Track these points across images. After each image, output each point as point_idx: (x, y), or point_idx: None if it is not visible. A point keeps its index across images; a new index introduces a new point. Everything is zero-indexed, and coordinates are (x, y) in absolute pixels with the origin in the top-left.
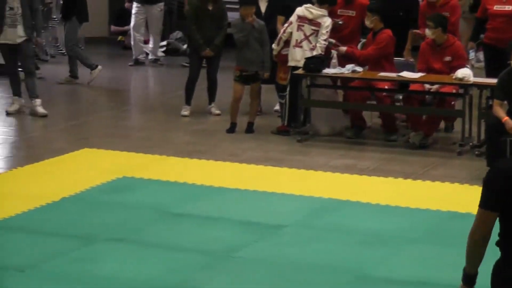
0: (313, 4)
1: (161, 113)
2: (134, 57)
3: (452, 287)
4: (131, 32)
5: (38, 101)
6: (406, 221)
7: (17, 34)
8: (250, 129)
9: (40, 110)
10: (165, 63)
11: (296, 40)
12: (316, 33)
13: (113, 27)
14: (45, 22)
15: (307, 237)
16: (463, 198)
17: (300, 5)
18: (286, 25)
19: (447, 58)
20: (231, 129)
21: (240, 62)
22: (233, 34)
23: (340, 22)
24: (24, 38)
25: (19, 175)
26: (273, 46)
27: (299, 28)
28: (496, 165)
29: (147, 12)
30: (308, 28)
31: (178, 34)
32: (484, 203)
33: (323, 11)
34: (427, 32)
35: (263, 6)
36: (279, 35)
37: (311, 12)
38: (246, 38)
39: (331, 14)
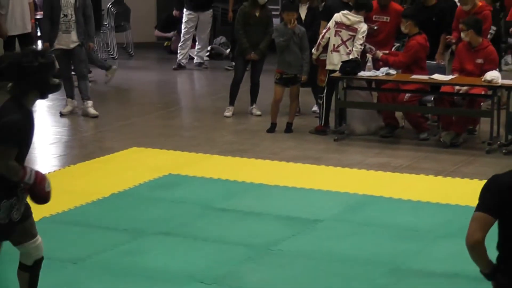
0: (350, 10)
1: (206, 114)
2: (178, 61)
3: (482, 280)
4: (182, 37)
5: (90, 103)
6: (437, 216)
7: (70, 39)
8: (289, 129)
9: (92, 111)
10: (209, 66)
11: (334, 45)
12: (352, 38)
13: (156, 32)
14: (97, 28)
15: (343, 231)
16: None
17: (341, 10)
18: (324, 30)
19: (479, 60)
20: (271, 129)
21: (281, 65)
22: (274, 38)
23: (375, 27)
24: (77, 43)
25: (72, 172)
26: (313, 51)
27: (336, 33)
28: (502, 177)
29: (198, 19)
30: (345, 34)
31: (221, 39)
32: (484, 207)
33: (360, 17)
34: (462, 34)
35: (303, 13)
36: (318, 41)
37: (348, 19)
38: (287, 42)
39: (367, 20)
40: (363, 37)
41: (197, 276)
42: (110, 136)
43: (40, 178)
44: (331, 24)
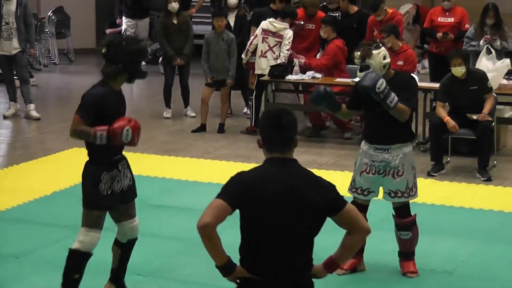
0: (276, 18)
1: (143, 116)
2: None
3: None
4: None
5: (32, 106)
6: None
7: (12, 46)
8: (221, 129)
9: (34, 113)
10: (146, 70)
11: (261, 50)
12: (279, 44)
13: (108, 31)
14: (39, 35)
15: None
16: None
17: (269, 15)
18: (252, 37)
19: (400, 63)
20: (199, 129)
21: (210, 71)
22: (203, 47)
23: (301, 23)
24: (18, 50)
25: (15, 171)
26: (242, 56)
27: (263, 40)
28: (246, 173)
29: (136, 26)
30: (272, 40)
31: (157, 45)
32: (224, 196)
33: (285, 24)
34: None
35: (232, 20)
36: (247, 47)
37: (274, 26)
38: (214, 49)
39: (293, 26)
40: (289, 42)
41: (134, 269)
42: (52, 137)
43: (112, 137)
44: (258, 31)
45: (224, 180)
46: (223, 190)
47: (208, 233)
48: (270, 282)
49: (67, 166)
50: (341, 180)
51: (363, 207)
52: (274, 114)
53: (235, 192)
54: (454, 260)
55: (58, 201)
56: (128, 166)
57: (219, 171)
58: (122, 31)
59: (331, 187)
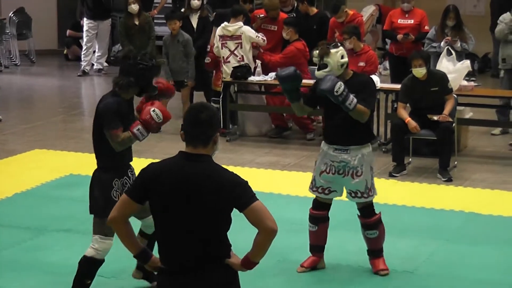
0: (228, 21)
1: None
2: (82, 68)
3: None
4: (84, 45)
5: None
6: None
7: None
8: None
9: None
10: (108, 72)
11: (223, 57)
12: (240, 45)
13: (69, 31)
14: None
15: (239, 224)
16: None
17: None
18: (213, 45)
19: (361, 64)
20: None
21: (169, 73)
22: (162, 50)
23: (261, 16)
24: None
25: None
26: (206, 60)
27: (223, 46)
28: (147, 166)
29: (97, 27)
30: (231, 44)
31: (119, 46)
32: (128, 190)
33: (238, 24)
34: (345, 43)
35: (194, 22)
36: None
37: (228, 30)
38: (171, 52)
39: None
40: (256, 36)
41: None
42: (13, 138)
43: (147, 125)
44: (216, 38)
45: None
46: (131, 186)
47: (115, 226)
48: (175, 273)
49: (29, 167)
50: (304, 181)
51: (325, 206)
52: (195, 108)
53: (135, 185)
54: (415, 259)
55: (19, 202)
56: (134, 173)
57: None
58: (84, 33)
59: (237, 184)
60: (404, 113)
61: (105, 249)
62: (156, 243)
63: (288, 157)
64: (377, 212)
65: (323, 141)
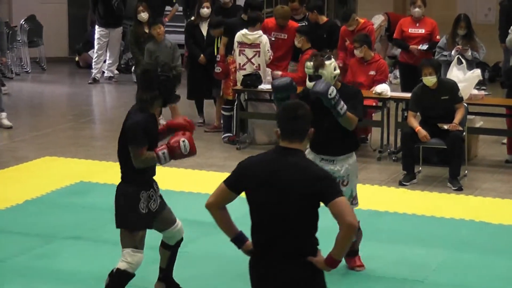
0: (247, 28)
1: (115, 125)
2: (93, 76)
3: (374, 278)
4: (95, 53)
5: (3, 114)
6: (330, 218)
7: None
8: None
9: (6, 122)
10: (119, 80)
11: (239, 64)
12: (257, 54)
13: (85, 55)
14: (10, 44)
15: (246, 233)
16: (382, 198)
17: (242, 28)
18: (223, 54)
19: (372, 72)
20: None
21: None
22: (144, 58)
23: (273, 39)
24: None
25: None
26: (217, 70)
27: (240, 52)
28: (246, 159)
29: (109, 35)
30: (249, 52)
31: (130, 54)
32: (226, 180)
33: (258, 32)
34: (356, 52)
35: (204, 30)
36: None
37: (248, 38)
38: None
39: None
40: (268, 50)
41: (104, 277)
42: (24, 146)
43: (172, 152)
44: (235, 45)
45: (195, 189)
46: (229, 176)
47: (212, 212)
48: (264, 258)
49: (39, 174)
50: None
51: None
52: (291, 105)
53: (233, 176)
54: (425, 268)
55: (30, 210)
56: (158, 187)
57: (192, 180)
58: (95, 40)
59: (326, 179)
60: (414, 121)
61: (137, 263)
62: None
63: None
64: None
65: (308, 149)
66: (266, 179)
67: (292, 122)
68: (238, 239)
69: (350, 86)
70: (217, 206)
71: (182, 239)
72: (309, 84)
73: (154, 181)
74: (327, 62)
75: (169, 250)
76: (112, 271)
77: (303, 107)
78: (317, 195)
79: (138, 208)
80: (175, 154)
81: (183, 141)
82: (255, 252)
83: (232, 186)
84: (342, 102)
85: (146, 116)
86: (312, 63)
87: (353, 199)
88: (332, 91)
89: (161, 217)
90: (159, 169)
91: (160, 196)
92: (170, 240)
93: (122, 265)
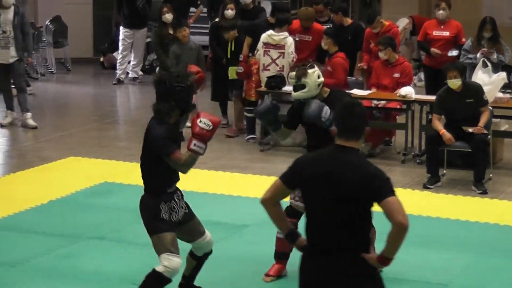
0: (273, 29)
1: (139, 126)
2: (117, 77)
3: (397, 281)
4: (120, 54)
5: (29, 115)
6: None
7: (9, 54)
8: None
9: (31, 122)
10: (143, 80)
11: (264, 64)
12: (282, 55)
13: (110, 55)
14: (36, 44)
15: (268, 236)
16: (406, 201)
17: (267, 30)
18: (246, 55)
19: (396, 75)
20: None
21: None
22: (169, 61)
23: (297, 39)
24: (16, 58)
25: (12, 180)
26: (239, 70)
27: (265, 53)
28: (301, 156)
29: (134, 36)
30: (274, 53)
31: (155, 55)
32: (282, 176)
33: (284, 34)
34: (380, 54)
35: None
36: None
37: (273, 39)
38: (184, 60)
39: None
40: (292, 52)
41: (129, 278)
42: (48, 146)
43: (201, 137)
44: (259, 45)
45: (218, 190)
46: (285, 170)
47: (266, 207)
48: (316, 254)
49: (64, 175)
50: None
51: (298, 214)
52: (349, 104)
53: (289, 172)
54: (450, 272)
55: (54, 210)
56: (183, 197)
57: (215, 181)
58: (119, 41)
59: (380, 177)
60: (438, 124)
61: (174, 267)
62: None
63: None
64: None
65: (306, 150)
66: (323, 177)
67: (349, 121)
68: (291, 234)
69: (339, 91)
70: (271, 202)
71: (211, 251)
72: (294, 94)
73: (176, 191)
74: (309, 71)
75: (196, 260)
76: (149, 272)
77: (360, 105)
78: (372, 194)
79: (161, 217)
80: (204, 137)
81: (200, 121)
82: (308, 248)
83: (287, 182)
84: None
85: (166, 126)
86: (294, 73)
87: None
88: (325, 112)
89: (188, 227)
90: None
91: (187, 207)
92: (198, 251)
93: (160, 269)
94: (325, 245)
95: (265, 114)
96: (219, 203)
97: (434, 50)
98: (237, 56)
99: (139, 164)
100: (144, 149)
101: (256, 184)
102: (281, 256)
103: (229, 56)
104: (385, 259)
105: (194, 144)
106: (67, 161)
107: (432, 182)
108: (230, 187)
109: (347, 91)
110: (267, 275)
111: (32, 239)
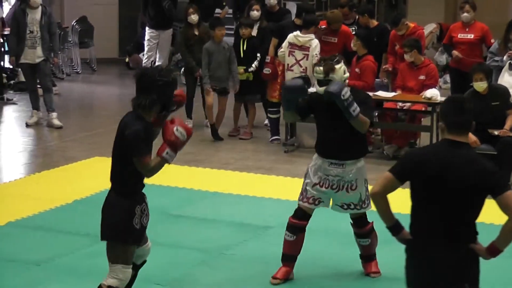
0: (300, 30)
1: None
2: None
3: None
4: (145, 54)
5: (54, 114)
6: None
7: (36, 54)
8: (214, 132)
9: (56, 122)
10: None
11: (288, 64)
12: (306, 57)
13: (136, 56)
14: (62, 44)
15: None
16: None
17: (292, 29)
18: (272, 56)
19: (421, 77)
20: (215, 133)
21: (212, 80)
22: (202, 59)
23: (322, 27)
24: (42, 58)
25: (37, 179)
26: (266, 71)
27: (290, 53)
28: (411, 151)
29: (159, 37)
30: (299, 54)
31: (179, 56)
32: (393, 169)
33: (310, 36)
34: (406, 56)
35: (254, 32)
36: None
37: (299, 40)
38: (216, 59)
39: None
40: (316, 54)
41: (154, 278)
42: (73, 146)
43: (174, 146)
44: (284, 44)
45: (243, 191)
46: (395, 164)
47: (377, 200)
48: (423, 246)
49: (88, 174)
50: None
51: (307, 216)
52: (457, 99)
53: (400, 166)
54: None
55: (79, 209)
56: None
57: (240, 182)
58: (145, 42)
59: (494, 172)
60: None
61: (127, 279)
62: None
63: None
64: (369, 221)
65: (316, 154)
66: (438, 171)
67: (460, 116)
68: (395, 227)
69: (359, 91)
70: (382, 195)
71: (145, 261)
72: (319, 89)
73: (144, 194)
74: (336, 66)
75: (134, 270)
76: (100, 286)
77: (468, 100)
78: (487, 188)
79: (132, 223)
80: (177, 147)
81: (177, 129)
82: (412, 241)
83: (399, 175)
84: (355, 104)
85: (145, 124)
86: (322, 68)
87: (362, 203)
88: (346, 92)
89: None
90: (207, 171)
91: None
92: (138, 259)
93: (113, 282)
94: (437, 236)
95: (293, 90)
96: (243, 204)
97: (455, 52)
98: (248, 56)
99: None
100: (117, 145)
101: (280, 185)
102: (289, 258)
103: (241, 55)
104: (496, 250)
105: (167, 153)
106: (92, 161)
107: None
108: (255, 188)
109: (372, 93)
110: (274, 277)
111: (57, 238)
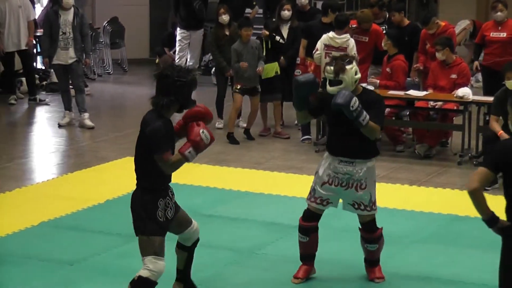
0: (329, 31)
1: None
2: None
3: (453, 282)
4: (177, 54)
5: (86, 115)
6: (411, 223)
7: (68, 55)
8: (247, 134)
9: (88, 122)
10: (199, 81)
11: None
12: None
13: (166, 57)
14: (93, 45)
15: (323, 237)
16: (463, 203)
17: (322, 30)
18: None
19: (453, 76)
20: (231, 140)
21: (240, 79)
22: (231, 59)
23: (353, 26)
24: (74, 59)
25: (69, 179)
26: (297, 73)
27: (327, 55)
28: (500, 143)
29: (190, 37)
30: (336, 55)
31: (210, 56)
32: (486, 163)
33: (346, 36)
34: (438, 55)
35: (285, 32)
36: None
37: (336, 42)
38: (246, 59)
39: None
40: (354, 53)
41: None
42: (105, 146)
43: (197, 147)
44: (319, 45)
45: (274, 191)
46: (486, 158)
47: (476, 195)
48: None
49: (120, 174)
50: (392, 193)
51: (317, 216)
52: None
53: (493, 158)
54: None
55: (111, 209)
56: (173, 193)
57: (271, 182)
58: (176, 42)
59: None
60: (496, 126)
61: (160, 270)
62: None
63: (377, 168)
64: (379, 226)
65: (326, 152)
66: None
67: None
68: (492, 219)
69: (371, 91)
70: (480, 190)
71: (198, 240)
72: (329, 88)
73: (170, 187)
74: (347, 67)
75: (186, 251)
76: (134, 279)
77: None
78: None
79: (156, 216)
80: (199, 148)
81: (202, 132)
82: (508, 229)
83: (494, 167)
84: (364, 113)
85: (166, 121)
86: (332, 67)
87: (372, 205)
88: (354, 102)
89: (176, 220)
90: (238, 171)
91: (175, 202)
92: (187, 242)
93: (144, 273)
94: None
95: (303, 85)
96: (274, 203)
97: (476, 63)
98: (272, 54)
99: (195, 164)
100: (140, 143)
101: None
102: (307, 257)
103: (264, 53)
104: None
105: (189, 152)
106: (123, 161)
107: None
108: (286, 187)
109: (404, 92)
110: (295, 277)
111: (89, 238)
